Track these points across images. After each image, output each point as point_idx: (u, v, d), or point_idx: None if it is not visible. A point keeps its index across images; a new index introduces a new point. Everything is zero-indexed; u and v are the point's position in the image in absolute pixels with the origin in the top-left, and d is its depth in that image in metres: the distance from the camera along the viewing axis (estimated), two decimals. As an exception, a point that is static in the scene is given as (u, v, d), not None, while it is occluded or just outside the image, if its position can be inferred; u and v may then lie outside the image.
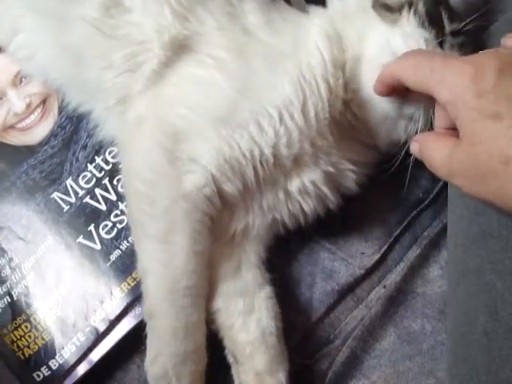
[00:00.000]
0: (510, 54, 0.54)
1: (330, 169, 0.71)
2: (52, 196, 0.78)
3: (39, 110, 0.82)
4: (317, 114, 0.68)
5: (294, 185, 0.70)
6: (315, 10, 0.75)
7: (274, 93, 0.67)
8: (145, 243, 0.68)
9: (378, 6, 0.71)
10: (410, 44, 0.67)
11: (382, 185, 0.78)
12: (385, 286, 0.77)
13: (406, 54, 0.63)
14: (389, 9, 0.71)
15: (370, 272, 0.78)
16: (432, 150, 0.59)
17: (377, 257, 0.78)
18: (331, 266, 0.78)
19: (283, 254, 0.77)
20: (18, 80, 0.82)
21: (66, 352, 0.72)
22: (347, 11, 0.74)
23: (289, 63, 0.68)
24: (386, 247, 0.78)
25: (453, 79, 0.55)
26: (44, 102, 0.82)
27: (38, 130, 0.82)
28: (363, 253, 0.78)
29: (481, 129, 0.52)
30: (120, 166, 0.75)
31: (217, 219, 0.70)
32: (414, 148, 0.62)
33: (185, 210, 0.66)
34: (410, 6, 0.70)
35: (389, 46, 0.68)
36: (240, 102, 0.67)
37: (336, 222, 0.76)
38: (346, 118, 0.72)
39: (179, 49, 0.70)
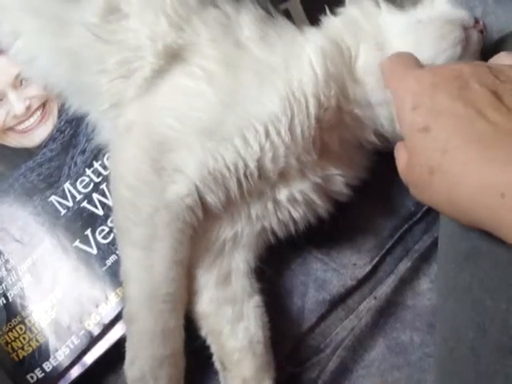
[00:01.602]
0: (450, 70, 0.56)
1: (318, 180, 0.71)
2: (50, 199, 0.79)
3: (39, 112, 0.83)
4: (303, 131, 0.68)
5: (282, 194, 0.71)
6: (310, 30, 0.75)
7: (261, 108, 0.67)
8: (128, 249, 0.69)
9: None
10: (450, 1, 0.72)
11: (374, 197, 0.80)
12: (375, 298, 0.78)
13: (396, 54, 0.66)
14: None
15: (361, 283, 0.78)
16: (398, 157, 0.61)
17: (368, 268, 0.79)
18: (323, 277, 0.78)
19: (277, 263, 0.78)
20: (19, 82, 0.83)
21: (60, 354, 0.73)
22: (352, 20, 0.75)
23: (279, 80, 0.68)
24: (377, 259, 0.79)
25: (400, 92, 0.58)
26: (44, 105, 0.83)
27: (37, 133, 0.82)
28: (355, 264, 0.79)
29: (414, 141, 0.55)
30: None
31: (205, 228, 0.71)
32: (395, 152, 0.64)
33: (167, 219, 0.67)
34: None
35: (421, 22, 0.70)
36: (227, 116, 0.67)
37: (329, 232, 0.76)
38: (341, 121, 0.72)
39: (172, 58, 0.71)
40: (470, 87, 0.54)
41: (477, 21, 0.71)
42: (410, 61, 0.63)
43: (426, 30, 0.69)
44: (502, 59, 0.61)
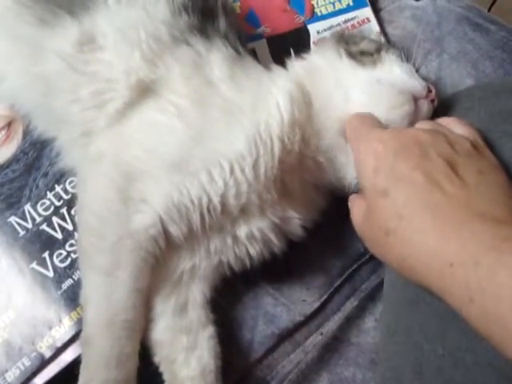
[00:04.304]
0: (411, 136, 0.61)
1: (276, 220, 0.74)
2: (9, 220, 0.79)
3: (3, 132, 0.83)
4: (266, 171, 0.70)
5: (242, 231, 0.73)
6: (278, 70, 0.78)
7: (228, 146, 0.69)
8: (90, 273, 0.70)
9: (355, 54, 0.77)
10: (407, 70, 0.75)
11: (326, 236, 0.83)
12: (322, 334, 0.80)
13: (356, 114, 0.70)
14: (367, 53, 0.77)
15: (309, 319, 0.81)
16: (353, 208, 0.65)
17: (316, 305, 0.81)
18: (273, 311, 0.80)
19: (230, 296, 0.79)
20: (-16, 101, 0.83)
21: (10, 376, 0.73)
22: (314, 68, 0.78)
23: (247, 120, 0.71)
24: (325, 297, 0.81)
25: (363, 153, 0.62)
26: (9, 125, 0.83)
27: (0, 153, 0.82)
28: (304, 300, 0.81)
29: (374, 202, 0.59)
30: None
31: (165, 259, 0.72)
32: (349, 203, 0.68)
33: (130, 248, 0.68)
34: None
35: (379, 83, 0.73)
36: (194, 151, 0.69)
37: (281, 268, 0.79)
38: (302, 165, 0.75)
39: (144, 92, 0.72)
40: (429, 156, 0.57)
41: (430, 90, 0.75)
42: (372, 121, 0.66)
43: (382, 96, 0.73)
44: (456, 126, 0.65)
